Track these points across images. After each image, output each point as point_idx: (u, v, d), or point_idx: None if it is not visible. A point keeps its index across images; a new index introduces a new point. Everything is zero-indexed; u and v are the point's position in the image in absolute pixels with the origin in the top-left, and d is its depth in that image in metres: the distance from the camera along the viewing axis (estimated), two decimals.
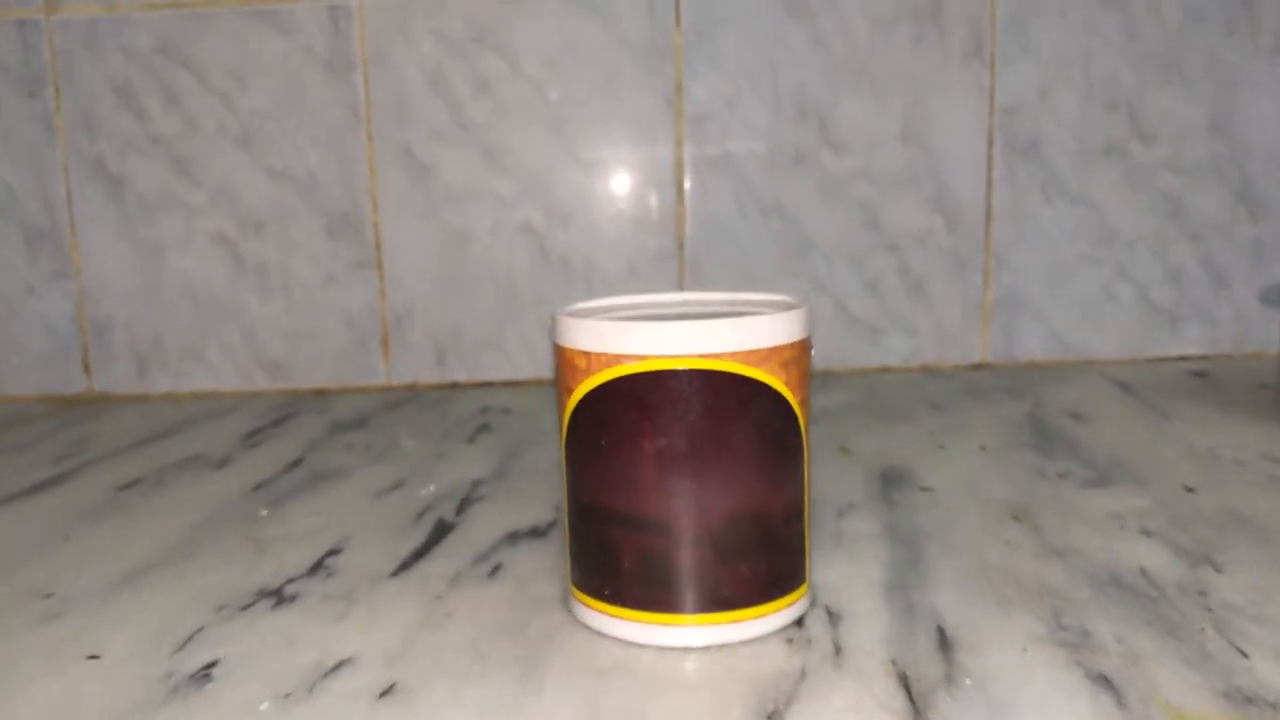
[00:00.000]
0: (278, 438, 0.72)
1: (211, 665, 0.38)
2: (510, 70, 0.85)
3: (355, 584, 0.45)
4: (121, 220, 0.86)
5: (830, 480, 0.58)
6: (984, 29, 0.85)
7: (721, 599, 0.38)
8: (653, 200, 0.86)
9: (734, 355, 0.37)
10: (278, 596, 0.44)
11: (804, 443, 0.39)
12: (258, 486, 0.60)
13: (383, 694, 0.36)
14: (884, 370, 0.87)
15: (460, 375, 0.88)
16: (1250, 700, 0.33)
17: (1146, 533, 0.48)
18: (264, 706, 0.35)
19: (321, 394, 0.86)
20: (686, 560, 0.38)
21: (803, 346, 0.39)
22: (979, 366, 0.88)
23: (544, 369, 0.87)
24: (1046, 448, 0.62)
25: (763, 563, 0.38)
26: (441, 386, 0.87)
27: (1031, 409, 0.72)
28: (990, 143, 0.86)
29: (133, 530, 0.53)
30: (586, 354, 0.38)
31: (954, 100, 0.86)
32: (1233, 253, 0.88)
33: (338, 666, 0.38)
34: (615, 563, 0.38)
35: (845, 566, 0.45)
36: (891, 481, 0.57)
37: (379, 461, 0.64)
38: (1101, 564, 0.44)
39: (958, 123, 0.86)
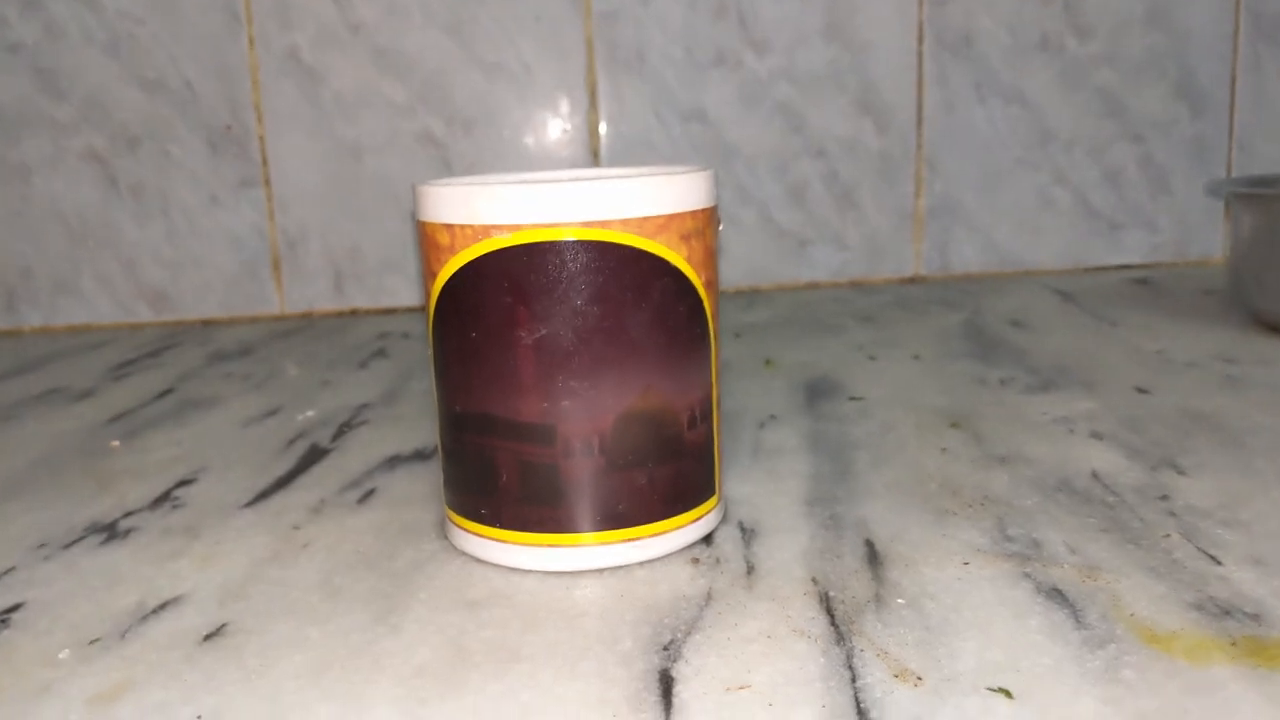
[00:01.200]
0: (150, 369, 0.65)
1: (12, 610, 0.32)
2: None
3: (202, 517, 0.39)
4: None
5: (750, 394, 0.52)
6: None
7: (615, 514, 0.32)
8: (563, 106, 0.80)
9: (624, 224, 0.31)
10: (109, 532, 0.38)
11: (710, 331, 0.34)
12: (116, 418, 0.54)
13: (207, 637, 0.30)
14: (813, 286, 0.82)
15: (360, 301, 0.81)
16: (1227, 612, 0.28)
17: (1097, 435, 0.43)
18: (63, 655, 0.29)
19: (208, 325, 0.79)
20: (573, 470, 0.32)
21: (706, 217, 0.33)
22: (912, 280, 0.83)
23: None
24: (986, 355, 0.58)
25: (664, 471, 0.33)
26: (340, 314, 0.81)
27: (969, 318, 0.67)
28: (919, 38, 0.81)
29: None
30: (449, 228, 0.32)
31: None
32: (1174, 153, 0.84)
33: (161, 607, 0.32)
34: (492, 477, 0.33)
35: (763, 481, 0.40)
36: (818, 393, 0.52)
37: (257, 390, 0.58)
38: (1049, 469, 0.40)
39: (885, 16, 0.80)
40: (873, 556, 0.33)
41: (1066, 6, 0.81)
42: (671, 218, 0.32)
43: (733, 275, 0.82)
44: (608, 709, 0.25)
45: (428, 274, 0.33)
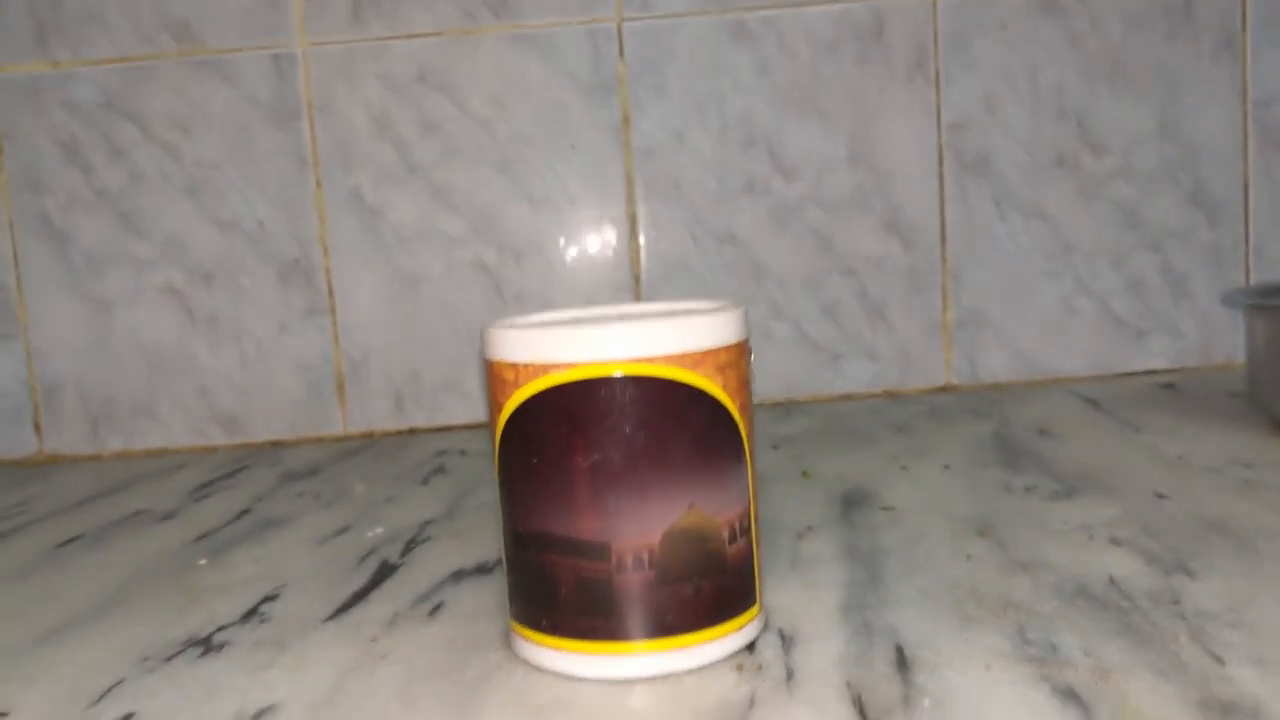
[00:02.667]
0: (227, 489, 0.69)
1: (127, 718, 0.36)
2: (456, 110, 0.84)
3: (288, 630, 0.43)
4: (69, 277, 0.84)
5: (788, 504, 0.56)
6: (926, 47, 0.84)
7: (665, 624, 0.36)
8: (606, 233, 0.85)
9: (666, 359, 0.35)
10: (205, 645, 0.42)
11: (747, 452, 0.38)
12: (200, 538, 0.58)
13: None
14: (847, 398, 0.86)
15: (419, 420, 0.86)
16: (1227, 710, 0.31)
17: (1116, 542, 0.46)
18: None
19: (277, 446, 0.84)
20: (625, 583, 0.36)
21: (739, 350, 0.37)
22: (943, 389, 0.86)
23: None
24: (1012, 463, 0.61)
25: (708, 584, 0.36)
26: (400, 433, 0.85)
27: (997, 428, 0.70)
28: (940, 160, 0.85)
29: (62, 587, 0.51)
30: (514, 366, 0.36)
31: (900, 119, 0.85)
32: (1192, 260, 0.87)
33: (259, 714, 0.35)
34: (552, 590, 0.36)
35: (800, 590, 0.43)
36: (852, 503, 0.55)
37: (327, 508, 0.62)
38: (1069, 576, 0.43)
39: (905, 142, 0.85)
40: (901, 661, 0.36)
41: (1080, 125, 0.86)
42: (708, 352, 0.36)
43: (769, 388, 0.86)
44: None
45: (494, 407, 0.38)
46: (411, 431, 0.85)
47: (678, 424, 0.36)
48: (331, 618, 0.44)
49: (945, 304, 0.86)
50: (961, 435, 0.69)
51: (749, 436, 0.38)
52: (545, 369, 0.35)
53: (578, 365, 0.35)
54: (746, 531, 0.38)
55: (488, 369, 0.38)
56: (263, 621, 0.44)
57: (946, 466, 0.61)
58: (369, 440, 0.83)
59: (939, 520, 0.51)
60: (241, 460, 0.79)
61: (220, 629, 0.44)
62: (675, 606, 0.36)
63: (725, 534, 0.37)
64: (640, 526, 0.35)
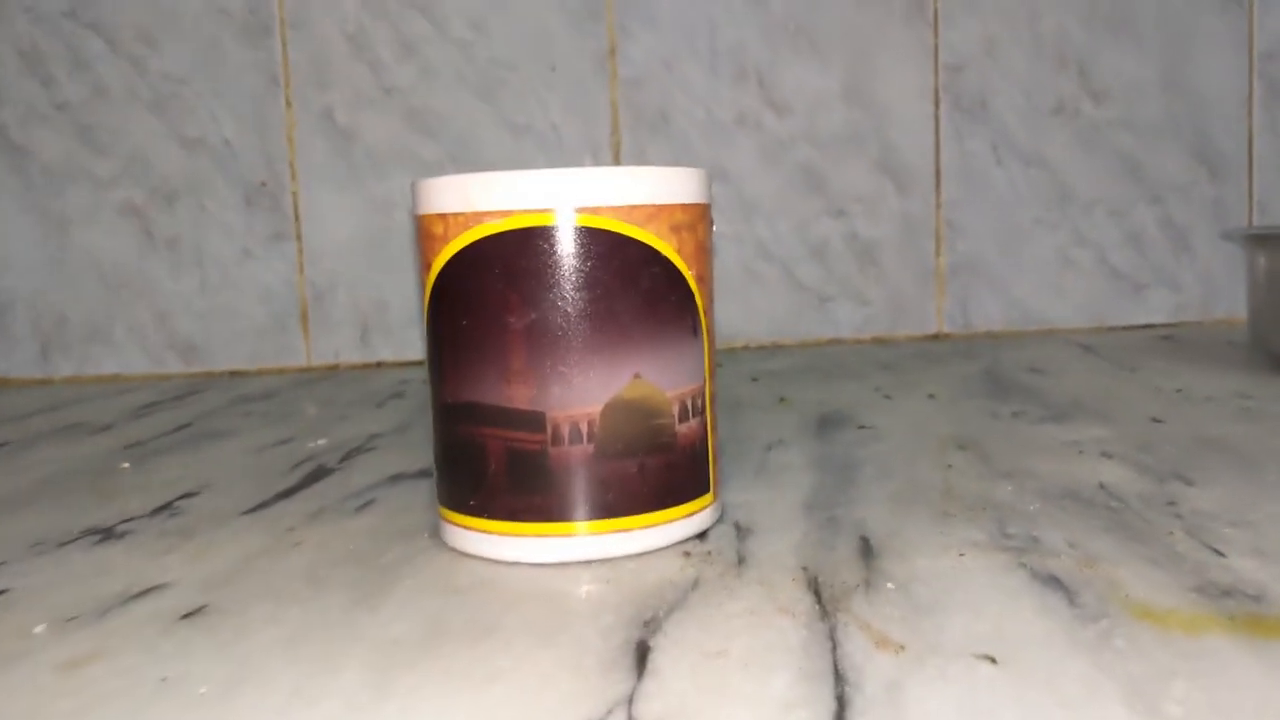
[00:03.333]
0: (172, 409, 0.66)
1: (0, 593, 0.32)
2: (435, 31, 0.80)
3: (199, 522, 0.39)
4: (25, 192, 0.81)
5: (761, 426, 0.52)
6: None
7: (604, 503, 0.32)
8: (588, 164, 0.81)
9: (614, 210, 0.31)
10: (105, 534, 0.38)
11: (703, 327, 0.34)
12: (130, 446, 0.54)
13: (185, 615, 0.30)
14: (835, 342, 0.82)
15: (386, 354, 0.82)
16: (1227, 593, 0.27)
17: (1107, 455, 0.43)
18: (38, 629, 0.29)
19: (236, 376, 0.80)
20: (562, 458, 0.32)
21: (699, 213, 0.34)
22: (935, 337, 0.83)
23: None
24: (1001, 395, 0.57)
25: (654, 462, 0.33)
26: (365, 366, 0.82)
27: (988, 367, 0.67)
28: (936, 102, 0.82)
29: None
30: (444, 217, 0.32)
31: (897, 58, 0.81)
32: (1194, 213, 0.83)
33: (145, 592, 0.32)
34: (481, 467, 0.33)
35: (763, 490, 0.40)
36: (828, 424, 0.51)
37: (273, 425, 0.58)
38: (1055, 482, 0.39)
39: (902, 81, 0.81)
40: (866, 549, 0.32)
41: (1081, 72, 0.82)
42: (661, 208, 0.32)
43: (755, 329, 0.82)
44: (580, 672, 0.25)
45: (423, 269, 0.34)
46: (378, 365, 0.82)
47: (624, 284, 0.32)
48: (249, 512, 0.40)
49: (939, 249, 0.83)
50: (950, 373, 0.65)
51: (706, 311, 0.34)
52: (478, 218, 0.32)
53: (514, 214, 0.31)
54: (700, 413, 0.34)
55: (417, 228, 0.34)
56: (173, 515, 0.41)
57: (931, 396, 0.58)
58: (333, 372, 0.80)
59: (918, 438, 0.47)
60: (196, 387, 0.75)
61: (125, 520, 0.40)
62: (617, 485, 0.32)
63: (675, 410, 0.33)
64: (579, 395, 0.32)
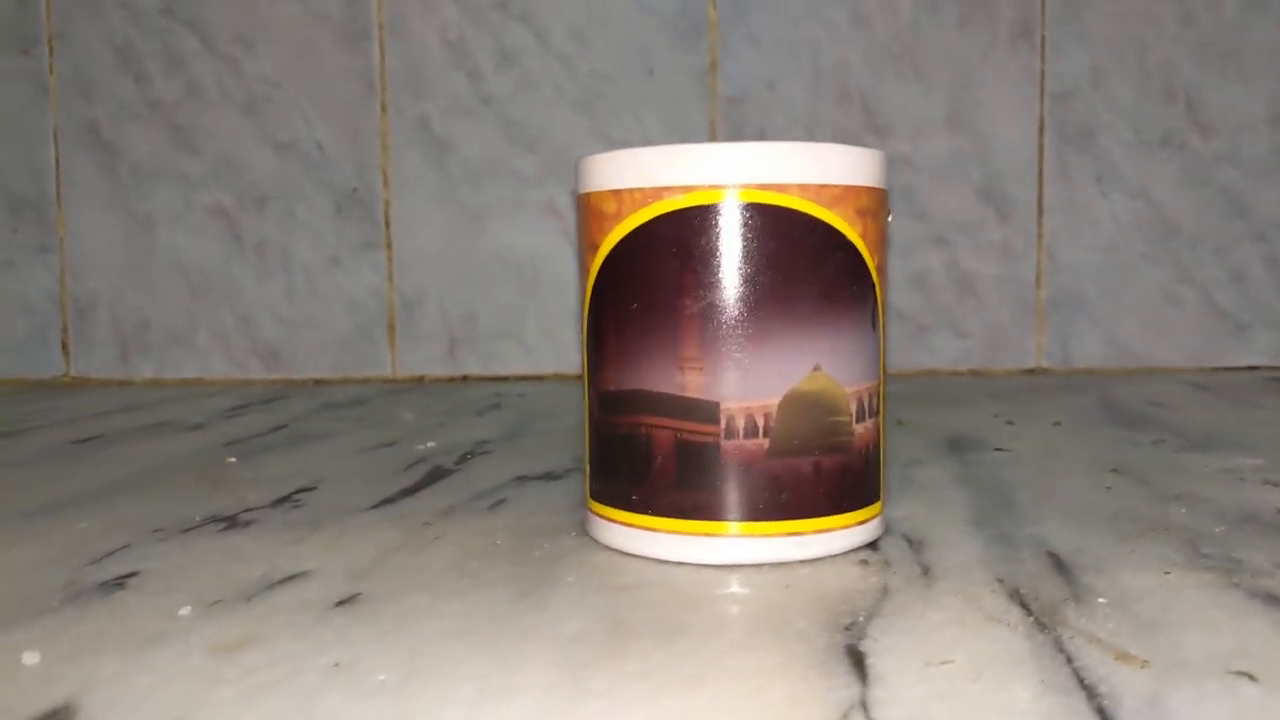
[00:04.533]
0: (262, 411, 0.64)
1: (128, 577, 0.30)
2: (536, 41, 0.79)
3: (324, 514, 0.38)
4: (112, 191, 0.80)
5: (889, 444, 0.50)
6: (1033, 12, 0.79)
7: (779, 503, 0.30)
8: None
9: (801, 189, 0.30)
10: (229, 522, 0.37)
11: (881, 321, 0.32)
12: (230, 443, 0.53)
13: (339, 603, 0.28)
14: (931, 373, 0.80)
15: (472, 368, 0.80)
16: None
17: (1272, 484, 0.40)
18: (184, 611, 0.27)
19: (319, 384, 0.79)
20: (735, 452, 0.30)
21: (881, 199, 0.32)
22: (1034, 371, 0.80)
23: (567, 363, 0.80)
24: (1129, 424, 0.54)
25: (831, 463, 0.31)
26: (451, 379, 0.80)
27: (1102, 399, 0.64)
28: (1041, 130, 0.80)
29: (70, 473, 0.46)
30: (617, 194, 0.31)
31: (1003, 85, 0.79)
32: None
33: (287, 579, 0.30)
34: (645, 460, 0.31)
35: (919, 505, 0.37)
36: (960, 446, 0.49)
37: (371, 428, 0.57)
38: (1229, 506, 0.36)
39: (1007, 109, 0.79)
40: (1058, 565, 0.30)
41: (1189, 105, 0.80)
42: (849, 189, 0.30)
43: None
44: (794, 675, 0.23)
45: (588, 250, 0.32)
46: (464, 379, 0.80)
47: (809, 268, 0.30)
48: (375, 507, 0.39)
49: (1040, 282, 0.80)
50: (1065, 404, 0.63)
51: (885, 305, 0.32)
52: (656, 194, 0.30)
53: (695, 189, 0.30)
54: (875, 413, 0.32)
55: (582, 207, 0.32)
56: (296, 507, 0.39)
57: (1057, 424, 0.55)
58: (418, 384, 0.78)
59: (1062, 462, 0.45)
60: (279, 394, 0.74)
61: (248, 510, 0.38)
62: (792, 484, 0.30)
63: (853, 408, 0.31)
64: (756, 385, 0.30)
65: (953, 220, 0.80)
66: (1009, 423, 0.55)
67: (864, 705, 0.21)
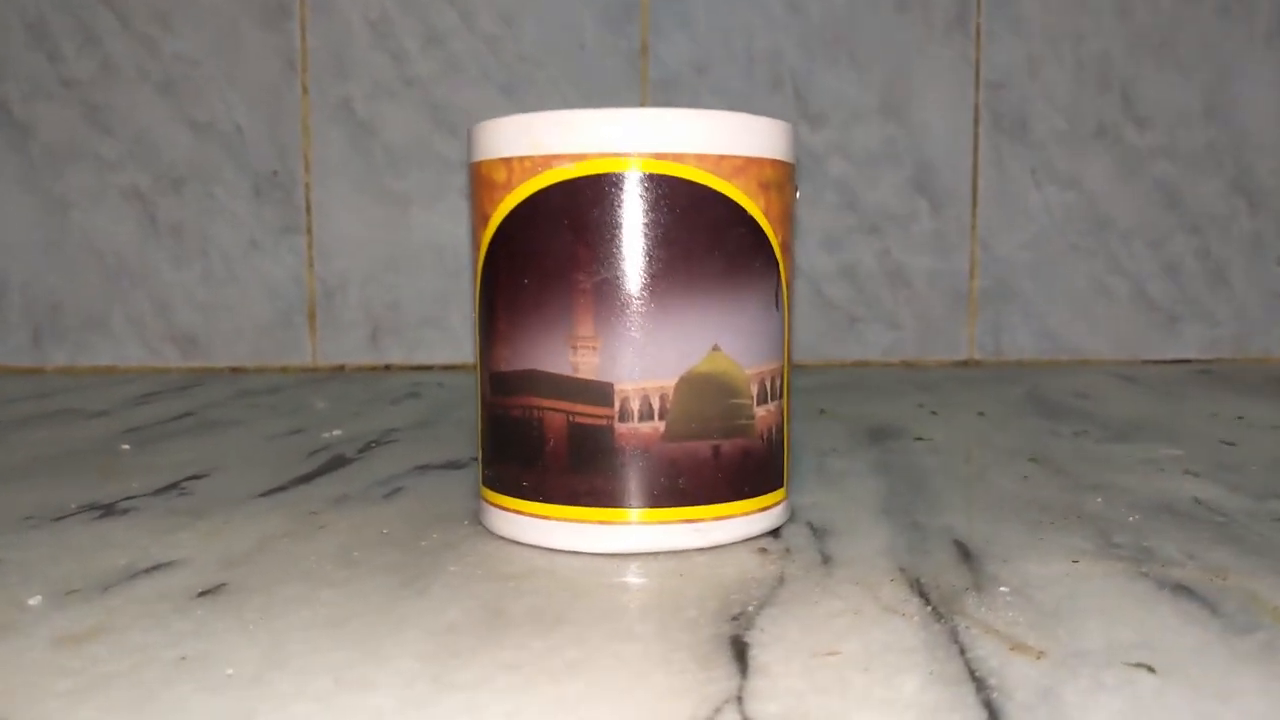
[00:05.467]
0: (172, 399, 0.62)
1: None
2: (462, 23, 0.77)
3: (210, 503, 0.36)
4: (25, 171, 0.77)
5: (807, 434, 0.49)
6: (969, 1, 0.78)
7: (675, 490, 0.29)
8: None
9: (700, 159, 0.28)
10: (106, 510, 0.35)
11: (785, 302, 0.31)
12: (131, 430, 0.50)
13: (203, 593, 0.26)
14: (862, 364, 0.79)
15: (395, 356, 0.78)
16: None
17: (1192, 474, 0.39)
18: (33, 601, 0.25)
19: (237, 372, 0.77)
20: (630, 436, 0.29)
21: (787, 173, 0.31)
22: (966, 363, 0.80)
23: None
24: (1053, 415, 0.54)
25: (731, 447, 0.29)
26: (374, 368, 0.78)
27: (1030, 390, 0.64)
28: (976, 120, 0.79)
29: None
30: (508, 162, 0.29)
31: (937, 74, 0.79)
32: (1232, 247, 0.81)
33: (153, 568, 0.28)
34: (537, 445, 0.29)
35: (830, 492, 0.36)
36: (881, 435, 0.48)
37: (282, 417, 0.55)
38: (1145, 496, 0.36)
39: (941, 98, 0.79)
40: (964, 554, 0.29)
41: (1125, 97, 0.80)
42: (751, 161, 0.29)
43: None
44: (673, 667, 0.21)
45: (479, 222, 0.31)
46: (387, 368, 0.78)
47: (707, 243, 0.29)
48: (265, 495, 0.37)
49: (973, 272, 0.80)
50: (992, 395, 0.62)
51: (789, 284, 0.31)
52: (547, 162, 0.29)
53: (589, 158, 0.28)
54: (778, 396, 0.31)
55: (474, 176, 0.31)
56: (181, 495, 0.37)
57: (981, 414, 0.54)
58: (339, 373, 0.76)
59: (982, 451, 0.44)
60: (195, 381, 0.72)
61: (129, 498, 0.36)
62: (690, 469, 0.29)
63: (754, 390, 0.30)
64: (652, 366, 0.28)
65: (885, 210, 0.79)
66: (933, 413, 0.55)
67: (739, 699, 0.20)
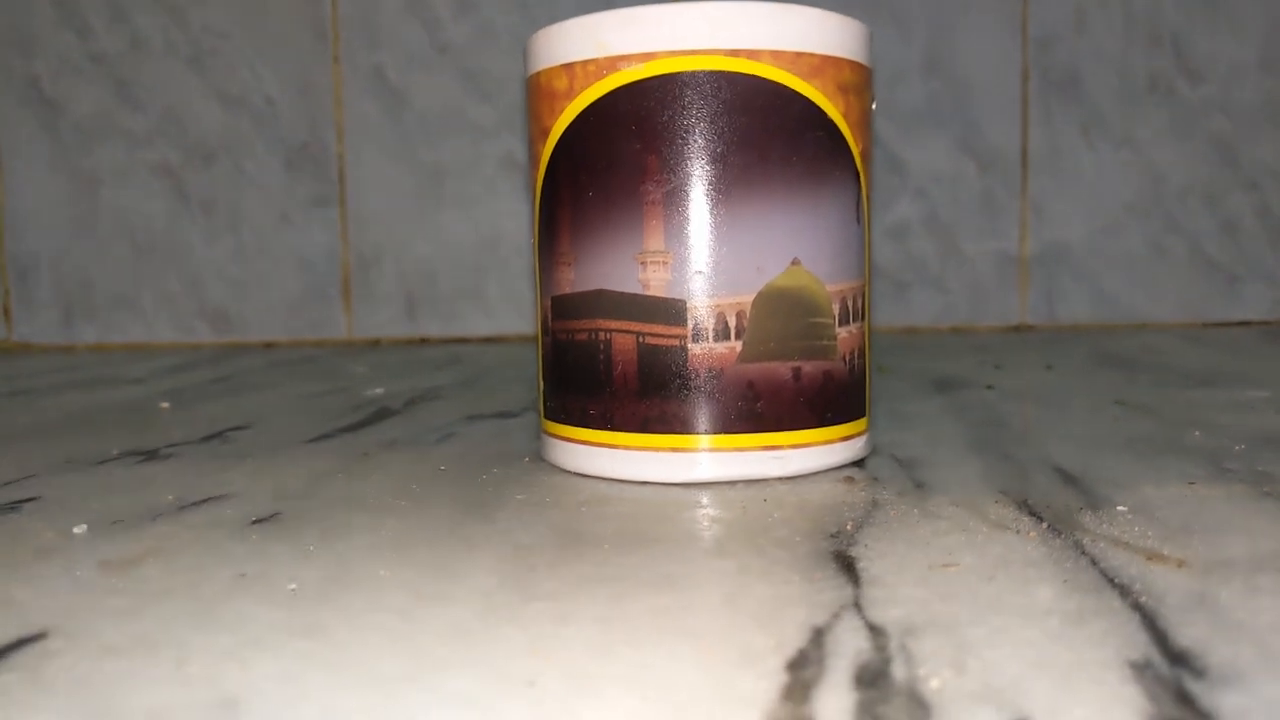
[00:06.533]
0: (207, 368, 0.60)
1: (25, 501, 0.27)
2: None
3: (257, 448, 0.34)
4: (54, 148, 0.76)
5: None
6: None
7: (753, 414, 0.27)
8: None
9: (776, 56, 0.26)
10: (148, 455, 0.33)
11: (866, 215, 0.29)
12: (167, 392, 0.49)
13: (257, 521, 0.24)
14: (910, 331, 0.77)
15: (432, 330, 0.77)
16: None
17: None
18: (79, 529, 0.24)
19: (270, 348, 0.75)
20: (704, 357, 0.27)
21: (866, 78, 0.28)
22: (1018, 328, 0.77)
23: (531, 324, 0.76)
24: (1125, 368, 0.51)
25: (812, 370, 0.27)
26: (410, 341, 0.76)
27: (1093, 349, 0.61)
28: (1024, 78, 0.77)
29: None
30: (569, 68, 0.27)
31: (983, 29, 0.76)
32: None
33: (202, 501, 0.26)
34: (604, 369, 0.27)
35: (909, 431, 0.34)
36: (948, 386, 0.46)
37: (320, 379, 0.53)
38: (1247, 431, 0.33)
39: (987, 54, 0.77)
40: (1070, 479, 0.27)
41: (1176, 50, 0.77)
42: (828, 60, 0.27)
43: None
44: (776, 578, 0.19)
45: (538, 136, 0.29)
46: (423, 341, 0.76)
47: (785, 148, 0.27)
48: (312, 441, 0.35)
49: (1023, 235, 0.77)
50: (1055, 354, 0.60)
51: (869, 198, 0.29)
52: (612, 64, 0.27)
53: (656, 57, 0.26)
54: (860, 318, 0.29)
55: (532, 90, 0.29)
56: (225, 443, 0.35)
57: (1049, 367, 0.52)
58: (374, 347, 0.75)
59: (1061, 396, 0.42)
60: (228, 356, 0.70)
61: (171, 445, 0.35)
62: (769, 392, 0.27)
63: (836, 309, 0.28)
64: (728, 281, 0.26)
65: (930, 171, 0.77)
66: (996, 367, 0.52)
67: (858, 605, 0.18)
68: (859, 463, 0.29)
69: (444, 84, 0.76)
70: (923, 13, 0.76)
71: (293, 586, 0.19)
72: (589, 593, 0.19)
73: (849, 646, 0.16)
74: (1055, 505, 0.24)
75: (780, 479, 0.27)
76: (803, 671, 0.15)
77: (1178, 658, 0.15)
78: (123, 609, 0.19)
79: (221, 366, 0.60)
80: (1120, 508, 0.24)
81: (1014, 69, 0.77)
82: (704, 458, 0.27)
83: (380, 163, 0.76)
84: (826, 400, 0.28)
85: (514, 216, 0.76)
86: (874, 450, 0.31)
